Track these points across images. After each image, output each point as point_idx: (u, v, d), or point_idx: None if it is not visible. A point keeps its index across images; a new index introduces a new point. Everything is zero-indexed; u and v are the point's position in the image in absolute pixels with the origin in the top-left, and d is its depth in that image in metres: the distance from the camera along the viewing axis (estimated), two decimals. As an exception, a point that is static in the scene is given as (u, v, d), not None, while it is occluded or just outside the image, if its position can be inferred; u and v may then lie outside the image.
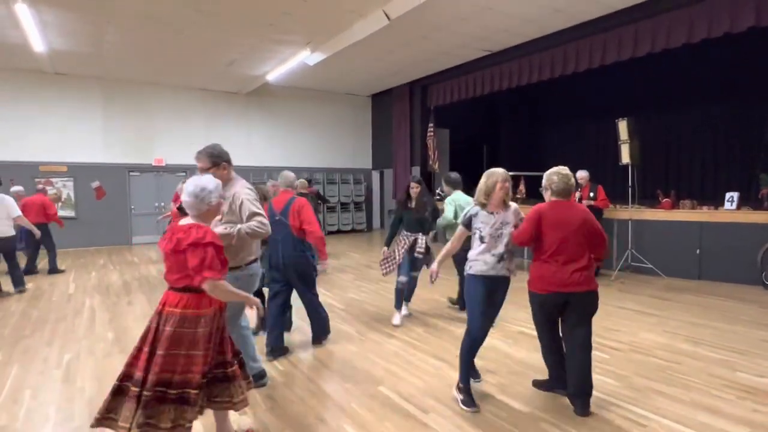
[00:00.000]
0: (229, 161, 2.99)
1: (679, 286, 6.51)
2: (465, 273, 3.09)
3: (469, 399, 2.96)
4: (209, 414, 2.51)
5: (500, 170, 3.04)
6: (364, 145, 15.00)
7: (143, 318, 5.20)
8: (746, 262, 6.35)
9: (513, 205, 3.10)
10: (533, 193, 8.60)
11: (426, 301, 5.70)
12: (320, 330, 4.31)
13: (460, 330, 4.57)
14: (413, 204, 4.80)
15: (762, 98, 8.77)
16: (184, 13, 7.35)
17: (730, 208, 6.74)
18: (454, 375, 3.42)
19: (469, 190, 11.53)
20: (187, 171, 11.56)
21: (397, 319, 4.84)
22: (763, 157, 8.44)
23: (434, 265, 3.24)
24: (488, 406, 3.02)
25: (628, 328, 4.68)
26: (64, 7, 7.11)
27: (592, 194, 7.14)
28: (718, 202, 7.15)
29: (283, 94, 13.26)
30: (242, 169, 12.10)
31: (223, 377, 2.40)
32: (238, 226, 2.82)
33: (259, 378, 3.27)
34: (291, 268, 3.95)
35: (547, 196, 3.07)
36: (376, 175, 14.99)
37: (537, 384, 3.28)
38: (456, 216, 5.01)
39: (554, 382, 3.18)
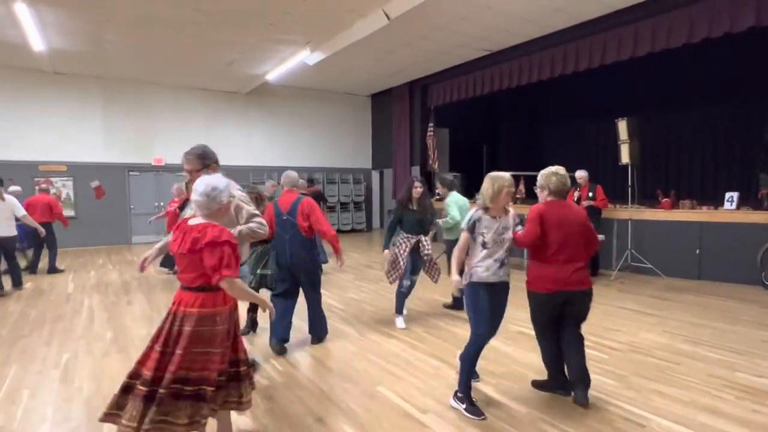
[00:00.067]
0: (217, 162, 2.92)
1: (678, 286, 6.50)
2: (465, 282, 2.97)
3: (474, 408, 2.88)
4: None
5: (506, 175, 2.95)
6: (363, 144, 14.99)
7: (142, 317, 5.20)
8: (746, 262, 6.34)
9: (511, 209, 3.09)
10: (533, 194, 8.59)
11: (425, 302, 5.69)
12: (319, 330, 4.32)
13: (459, 330, 4.58)
14: (414, 205, 4.71)
15: (762, 98, 8.76)
16: (184, 12, 7.35)
17: (730, 208, 6.73)
18: (453, 375, 3.42)
19: (470, 190, 11.50)
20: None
21: (401, 322, 4.80)
22: (763, 157, 8.43)
23: (456, 278, 2.94)
24: (487, 406, 3.00)
25: (627, 328, 4.67)
26: (64, 7, 7.10)
27: (591, 194, 7.13)
28: (717, 202, 7.15)
29: (283, 94, 13.26)
30: (242, 169, 12.11)
31: (236, 376, 2.43)
32: (238, 227, 2.82)
33: None
34: (299, 267, 4.03)
35: (543, 195, 3.06)
36: (375, 175, 14.98)
37: (536, 384, 3.27)
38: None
39: (554, 383, 3.18)
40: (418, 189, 4.69)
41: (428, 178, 11.77)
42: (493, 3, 7.14)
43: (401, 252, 4.64)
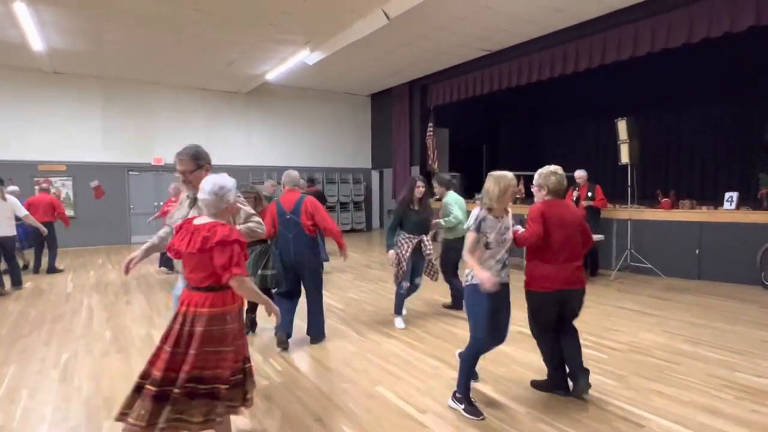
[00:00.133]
0: (209, 162, 2.85)
1: (678, 286, 6.50)
2: (465, 283, 2.95)
3: (473, 408, 2.88)
4: None
5: (510, 174, 2.92)
6: (363, 144, 14.99)
7: (141, 317, 5.20)
8: (745, 262, 6.34)
9: (509, 209, 3.09)
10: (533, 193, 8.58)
11: (425, 302, 5.69)
12: (318, 330, 4.32)
13: (458, 330, 4.58)
14: (416, 205, 4.68)
15: (762, 98, 8.76)
16: (183, 12, 7.34)
17: (730, 208, 6.73)
18: (453, 375, 3.41)
19: (469, 190, 11.44)
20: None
21: (401, 322, 4.79)
22: (762, 157, 8.43)
23: (485, 274, 2.78)
24: (486, 406, 3.00)
25: (627, 328, 4.67)
26: (63, 6, 7.09)
27: (590, 194, 7.13)
28: (717, 202, 7.15)
29: (283, 94, 13.26)
30: (242, 169, 12.11)
31: (243, 372, 2.46)
32: (237, 227, 2.81)
33: None
34: (304, 265, 4.08)
35: (542, 195, 3.07)
36: (375, 175, 14.98)
37: (535, 384, 3.27)
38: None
39: (553, 383, 3.18)
40: (420, 189, 4.67)
41: (428, 178, 11.76)
42: (493, 3, 7.13)
43: (403, 253, 4.62)
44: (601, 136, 11.97)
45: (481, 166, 11.38)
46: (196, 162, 2.74)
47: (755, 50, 8.16)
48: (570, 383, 3.11)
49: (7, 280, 6.56)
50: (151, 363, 2.22)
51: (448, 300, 5.52)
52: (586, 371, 3.05)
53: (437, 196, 5.35)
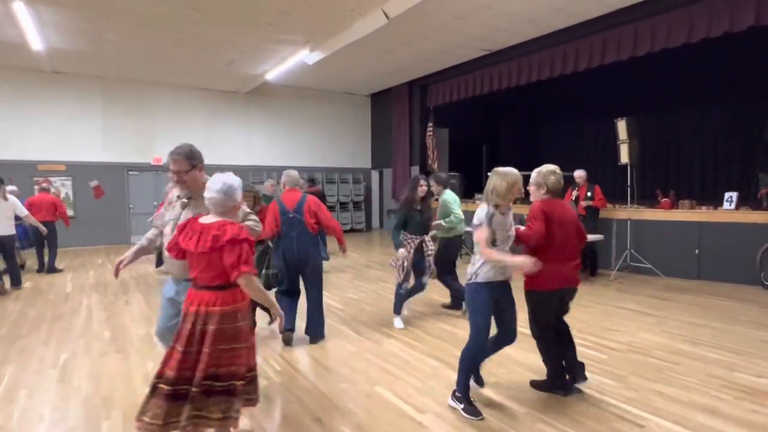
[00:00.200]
0: (202, 162, 2.77)
1: (678, 286, 6.50)
2: (468, 282, 2.91)
3: (472, 408, 2.88)
4: None
5: (515, 170, 2.89)
6: (363, 144, 14.98)
7: (141, 317, 5.19)
8: (745, 262, 6.34)
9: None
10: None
11: (424, 302, 5.68)
12: (318, 329, 4.32)
13: (457, 330, 4.57)
14: (418, 204, 4.66)
15: (762, 98, 8.76)
16: (183, 12, 7.34)
17: (729, 208, 6.73)
18: (452, 375, 3.41)
19: (469, 190, 11.40)
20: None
21: (400, 323, 4.78)
22: (762, 157, 8.42)
23: (521, 258, 2.77)
24: (485, 406, 3.00)
25: (626, 328, 4.67)
26: (63, 6, 7.09)
27: (589, 194, 7.13)
28: (717, 202, 7.14)
29: (283, 94, 13.25)
30: (242, 169, 12.11)
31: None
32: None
33: None
34: (307, 262, 4.14)
35: (540, 194, 3.06)
36: (375, 175, 14.98)
37: (534, 384, 3.27)
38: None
39: (553, 383, 3.18)
40: (423, 188, 4.65)
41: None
42: (493, 3, 7.13)
43: (407, 254, 4.59)
44: (600, 136, 11.96)
45: (481, 166, 11.36)
46: (191, 162, 2.68)
47: (755, 50, 8.15)
48: (568, 381, 3.13)
49: (6, 280, 6.56)
50: (165, 363, 2.24)
51: (448, 300, 5.51)
52: (582, 364, 3.18)
53: (435, 196, 5.34)
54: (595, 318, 5.01)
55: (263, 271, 4.16)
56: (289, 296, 4.22)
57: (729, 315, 5.07)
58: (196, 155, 2.70)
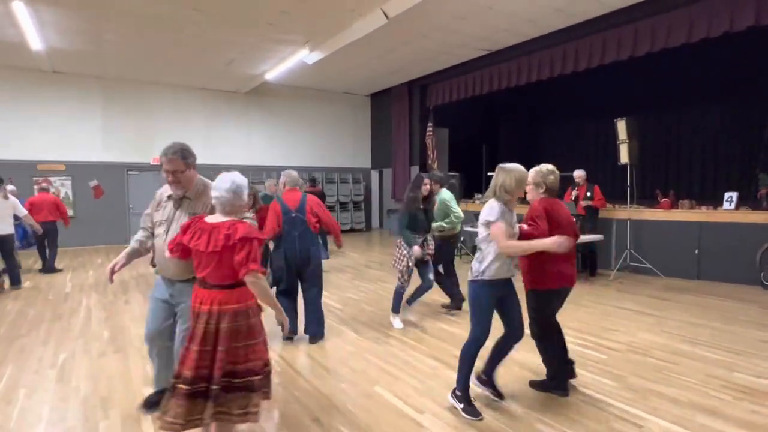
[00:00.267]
0: (195, 160, 2.74)
1: (677, 286, 6.49)
2: (474, 279, 2.87)
3: (472, 408, 2.88)
4: None
5: (521, 166, 2.89)
6: (363, 144, 14.98)
7: (140, 317, 5.18)
8: (745, 262, 6.33)
9: None
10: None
11: (423, 302, 5.66)
12: (317, 329, 4.32)
13: (457, 330, 4.57)
14: (422, 204, 4.63)
15: (762, 98, 8.75)
16: (183, 12, 7.34)
17: (729, 208, 6.72)
18: (451, 375, 3.40)
19: (469, 189, 11.37)
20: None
21: (399, 323, 4.77)
22: (762, 157, 8.42)
23: (553, 240, 2.75)
24: (485, 406, 3.00)
25: (626, 328, 4.66)
26: (63, 6, 7.08)
27: (589, 194, 7.13)
28: (717, 202, 7.14)
29: (283, 94, 13.25)
30: (242, 169, 11.93)
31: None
32: None
33: None
34: (309, 261, 4.17)
35: (538, 193, 3.06)
36: (375, 175, 14.97)
37: (534, 384, 3.27)
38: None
39: (553, 383, 3.18)
40: (427, 186, 4.64)
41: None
42: (493, 3, 7.12)
43: (410, 253, 4.57)
44: (600, 136, 11.96)
45: (481, 165, 11.36)
46: (186, 161, 2.64)
47: (755, 50, 8.14)
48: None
49: (6, 280, 6.56)
50: (182, 363, 2.26)
51: (447, 300, 5.50)
52: (572, 360, 3.29)
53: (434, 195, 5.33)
54: (594, 318, 5.01)
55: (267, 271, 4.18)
56: (288, 296, 4.23)
57: (728, 315, 5.06)
58: (190, 154, 2.68)
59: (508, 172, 2.84)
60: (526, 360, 3.72)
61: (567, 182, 7.48)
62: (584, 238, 6.62)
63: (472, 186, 11.13)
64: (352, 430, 2.76)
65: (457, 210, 5.12)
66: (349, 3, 7.10)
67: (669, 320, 4.91)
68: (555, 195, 3.11)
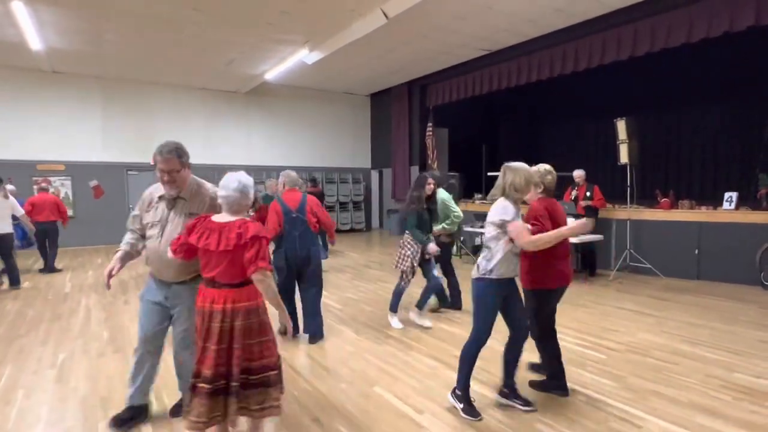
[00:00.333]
0: (189, 159, 2.68)
1: (677, 287, 6.49)
2: (481, 277, 2.85)
3: (471, 408, 2.88)
4: None
5: (526, 165, 2.91)
6: (363, 144, 14.98)
7: (139, 317, 5.18)
8: (745, 262, 6.33)
9: None
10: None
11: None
12: (317, 329, 4.32)
13: (456, 330, 4.57)
14: (425, 203, 4.61)
15: (762, 98, 8.75)
16: (183, 12, 7.33)
17: (729, 208, 6.72)
18: (451, 375, 3.40)
19: (469, 189, 11.36)
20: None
21: (398, 323, 4.76)
22: (762, 157, 8.41)
23: (579, 223, 2.86)
24: (484, 406, 2.99)
25: (626, 328, 4.66)
26: (62, 6, 7.08)
27: (588, 194, 7.13)
28: (716, 202, 7.13)
29: (283, 94, 13.25)
30: (242, 169, 11.90)
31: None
32: None
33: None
34: (310, 260, 4.20)
35: (536, 193, 3.07)
36: (375, 175, 14.97)
37: (534, 385, 3.26)
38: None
39: (552, 383, 3.18)
40: (431, 186, 4.62)
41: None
42: (493, 3, 7.12)
43: (414, 254, 4.56)
44: (600, 136, 11.96)
45: (481, 165, 11.37)
46: (181, 160, 2.59)
47: (755, 50, 8.13)
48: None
49: (5, 280, 6.56)
50: (200, 362, 2.27)
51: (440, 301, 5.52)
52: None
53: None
54: (594, 318, 5.00)
55: None
56: (287, 297, 4.23)
57: (728, 315, 5.06)
58: (185, 153, 2.63)
59: (516, 171, 2.84)
60: (526, 360, 3.70)
61: (567, 182, 7.48)
62: (584, 238, 6.62)
63: (472, 186, 11.13)
64: (351, 430, 2.75)
65: (457, 210, 5.13)
66: (349, 3, 7.10)
67: (669, 320, 4.91)
68: (552, 195, 3.14)
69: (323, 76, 11.97)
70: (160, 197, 2.68)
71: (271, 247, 3.57)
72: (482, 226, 8.19)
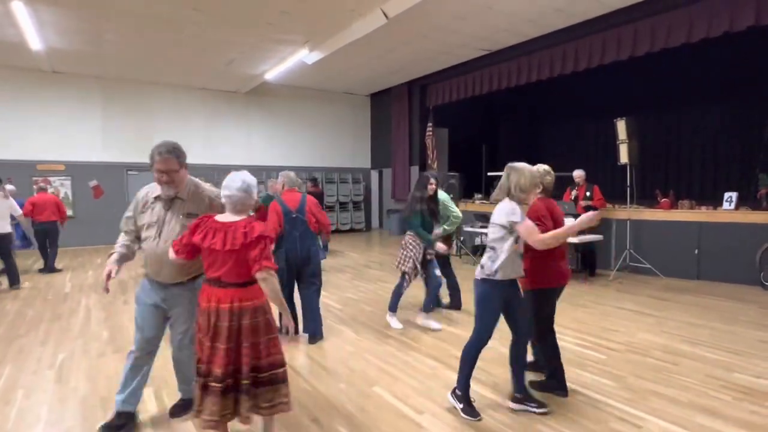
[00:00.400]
0: (186, 158, 2.64)
1: (677, 287, 6.49)
2: (485, 278, 2.82)
3: (471, 408, 2.88)
4: None
5: (528, 165, 2.92)
6: (363, 144, 14.98)
7: (139, 317, 5.18)
8: (745, 262, 6.33)
9: None
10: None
11: (422, 302, 5.65)
12: (317, 329, 4.32)
13: (456, 330, 4.57)
14: (427, 204, 4.60)
15: (762, 98, 8.75)
16: (183, 12, 7.33)
17: (729, 208, 6.72)
18: (450, 375, 3.41)
19: (469, 190, 11.35)
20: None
21: (397, 323, 4.76)
22: (762, 157, 8.41)
23: (586, 217, 2.79)
24: (484, 406, 2.99)
25: (626, 328, 4.66)
26: (62, 6, 7.08)
27: (588, 194, 7.12)
28: (716, 202, 7.13)
29: (283, 94, 13.25)
30: (242, 169, 12.01)
31: None
32: None
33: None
34: (310, 260, 4.22)
35: (535, 193, 3.06)
36: (374, 175, 14.97)
37: (533, 385, 3.25)
38: None
39: (552, 383, 3.18)
40: (433, 186, 4.62)
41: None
42: (493, 3, 7.12)
43: (417, 255, 4.55)
44: (600, 136, 11.96)
45: (481, 166, 11.36)
46: (179, 160, 2.54)
47: (755, 50, 8.14)
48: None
49: (4, 279, 6.56)
50: (210, 362, 2.27)
51: (446, 300, 5.50)
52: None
53: None
54: (594, 318, 5.00)
55: None
56: (287, 296, 4.24)
57: (728, 315, 5.06)
58: (182, 152, 2.59)
59: (521, 172, 2.84)
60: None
61: (566, 182, 7.48)
62: (583, 237, 6.63)
63: (471, 186, 11.13)
64: (350, 431, 2.75)
65: (456, 210, 5.13)
66: (349, 3, 7.10)
67: (669, 320, 4.91)
68: (550, 195, 3.18)
69: (323, 76, 11.97)
70: (156, 198, 2.63)
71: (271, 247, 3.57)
72: (482, 226, 8.21)
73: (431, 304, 4.79)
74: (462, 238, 9.03)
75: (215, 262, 2.30)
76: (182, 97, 12.17)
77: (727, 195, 6.82)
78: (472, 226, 8.42)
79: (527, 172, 2.83)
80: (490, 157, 11.65)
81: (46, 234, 7.74)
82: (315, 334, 4.30)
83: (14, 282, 6.62)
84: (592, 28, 7.90)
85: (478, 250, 8.95)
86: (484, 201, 10.10)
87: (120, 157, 11.48)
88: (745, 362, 3.73)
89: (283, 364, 2.40)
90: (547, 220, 2.99)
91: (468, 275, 6.92)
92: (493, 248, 2.84)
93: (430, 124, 11.97)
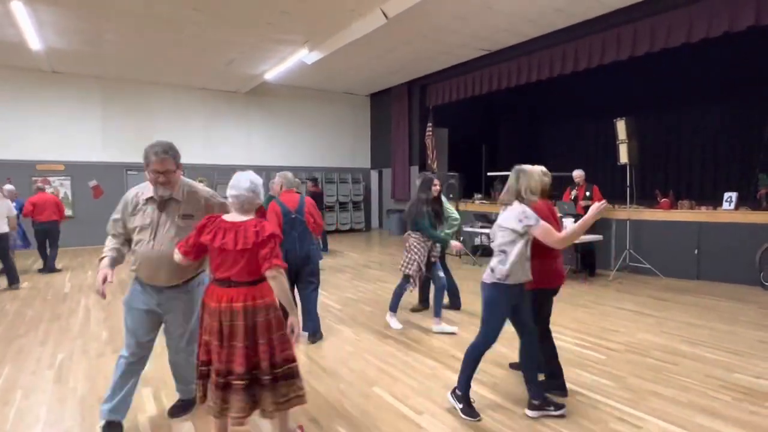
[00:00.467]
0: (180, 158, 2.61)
1: (677, 287, 6.49)
2: (495, 282, 2.80)
3: (470, 409, 2.88)
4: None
5: (536, 167, 2.98)
6: (362, 144, 14.98)
7: (139, 317, 5.17)
8: (744, 262, 6.33)
9: None
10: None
11: (418, 304, 5.65)
12: (315, 328, 4.33)
13: (456, 330, 4.55)
14: (431, 205, 4.58)
15: (762, 98, 8.75)
16: (183, 12, 7.33)
17: (729, 209, 6.71)
18: (450, 376, 3.41)
19: (469, 190, 11.36)
20: (184, 171, 11.53)
21: (396, 323, 4.75)
22: (762, 157, 8.41)
23: (598, 204, 2.76)
24: (483, 407, 2.99)
25: (625, 328, 4.66)
26: (62, 6, 7.08)
27: (588, 194, 7.12)
28: (716, 202, 7.13)
29: (283, 94, 13.25)
30: (242, 169, 12.00)
31: None
32: None
33: (192, 404, 2.98)
34: (310, 260, 4.24)
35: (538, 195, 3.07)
36: (374, 175, 14.97)
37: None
38: None
39: (552, 383, 3.17)
40: (437, 187, 4.62)
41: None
42: (493, 3, 7.11)
43: (421, 257, 4.53)
44: (600, 136, 11.96)
45: (481, 166, 11.37)
46: (175, 160, 2.49)
47: (755, 50, 8.13)
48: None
49: (3, 279, 6.56)
50: (229, 360, 2.27)
51: (446, 300, 5.49)
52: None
53: None
54: (593, 318, 5.00)
55: None
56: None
57: (728, 315, 5.06)
58: (178, 153, 2.55)
59: (530, 174, 2.87)
60: (511, 359, 3.70)
61: (566, 182, 7.48)
62: (583, 237, 6.62)
63: (471, 186, 11.13)
64: (350, 431, 2.75)
65: (454, 213, 5.11)
66: (349, 3, 7.10)
67: (668, 321, 4.91)
68: (547, 196, 3.20)
69: (323, 76, 11.97)
70: (148, 199, 2.55)
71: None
72: (482, 226, 8.20)
73: (441, 308, 4.70)
74: (462, 239, 9.03)
75: (225, 261, 2.30)
76: (182, 97, 12.17)
77: (727, 195, 6.82)
78: (471, 226, 8.42)
79: (536, 175, 2.89)
80: (490, 157, 11.66)
81: (46, 234, 7.76)
82: (315, 332, 4.31)
83: (13, 282, 6.61)
84: (592, 28, 7.90)
85: (478, 250, 8.95)
86: (484, 201, 10.11)
87: (120, 157, 11.48)
88: (744, 362, 3.73)
89: (295, 359, 2.43)
90: (551, 220, 3.01)
91: (468, 275, 6.95)
92: (503, 251, 2.82)
93: (429, 124, 11.97)
